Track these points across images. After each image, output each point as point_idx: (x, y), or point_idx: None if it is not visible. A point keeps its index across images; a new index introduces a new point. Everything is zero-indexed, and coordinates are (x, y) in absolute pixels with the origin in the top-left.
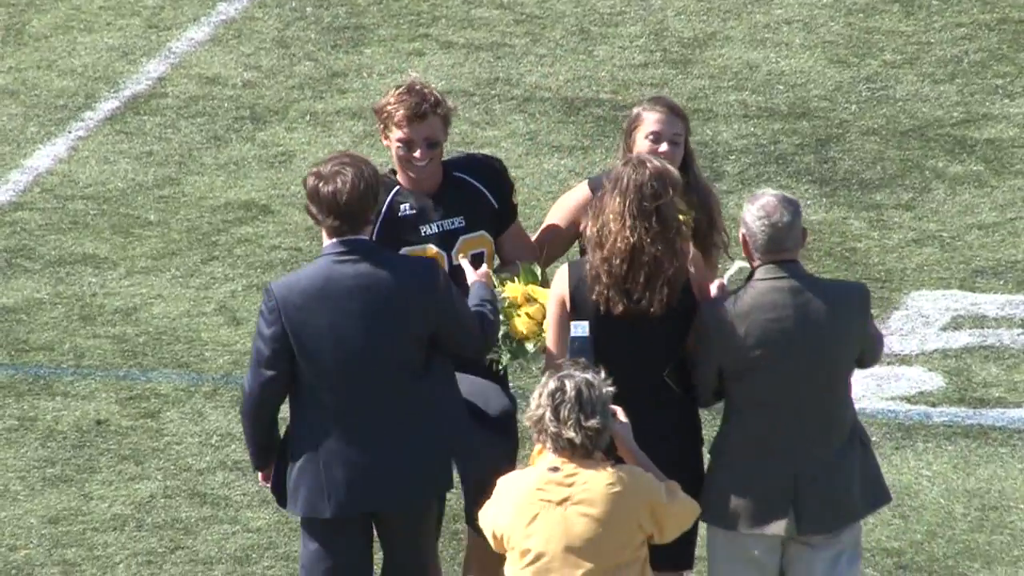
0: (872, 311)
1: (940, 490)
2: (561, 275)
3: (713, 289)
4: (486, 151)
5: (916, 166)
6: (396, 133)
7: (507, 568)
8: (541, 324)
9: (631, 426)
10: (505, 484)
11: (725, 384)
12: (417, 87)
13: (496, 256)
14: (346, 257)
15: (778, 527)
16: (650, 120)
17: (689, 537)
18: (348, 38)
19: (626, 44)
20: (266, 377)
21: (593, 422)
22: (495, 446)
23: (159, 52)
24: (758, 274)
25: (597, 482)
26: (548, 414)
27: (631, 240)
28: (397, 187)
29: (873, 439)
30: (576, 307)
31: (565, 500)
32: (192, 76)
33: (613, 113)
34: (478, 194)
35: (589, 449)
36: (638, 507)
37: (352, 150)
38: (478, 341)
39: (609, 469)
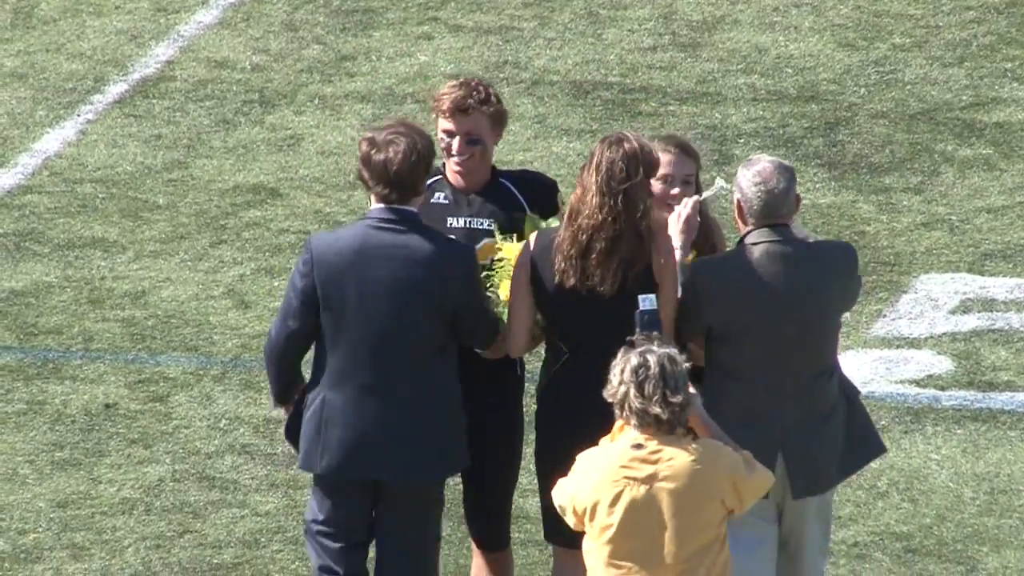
0: (880, 294)
1: (949, 474)
2: (529, 240)
3: (688, 204)
4: None
5: (925, 149)
6: (440, 123)
7: (586, 543)
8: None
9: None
10: (586, 460)
11: (712, 347)
12: (472, 83)
13: None
14: (388, 225)
15: (772, 492)
16: (662, 162)
17: None
18: (357, 21)
19: (635, 27)
20: (291, 329)
21: (678, 397)
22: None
23: (168, 35)
24: (751, 238)
25: (681, 459)
26: (632, 391)
27: (596, 217)
28: (440, 176)
29: (882, 423)
30: (536, 272)
31: (651, 477)
32: (201, 59)
33: (622, 96)
34: (517, 205)
35: (674, 424)
36: (721, 482)
37: (407, 119)
38: (489, 339)
39: (692, 445)
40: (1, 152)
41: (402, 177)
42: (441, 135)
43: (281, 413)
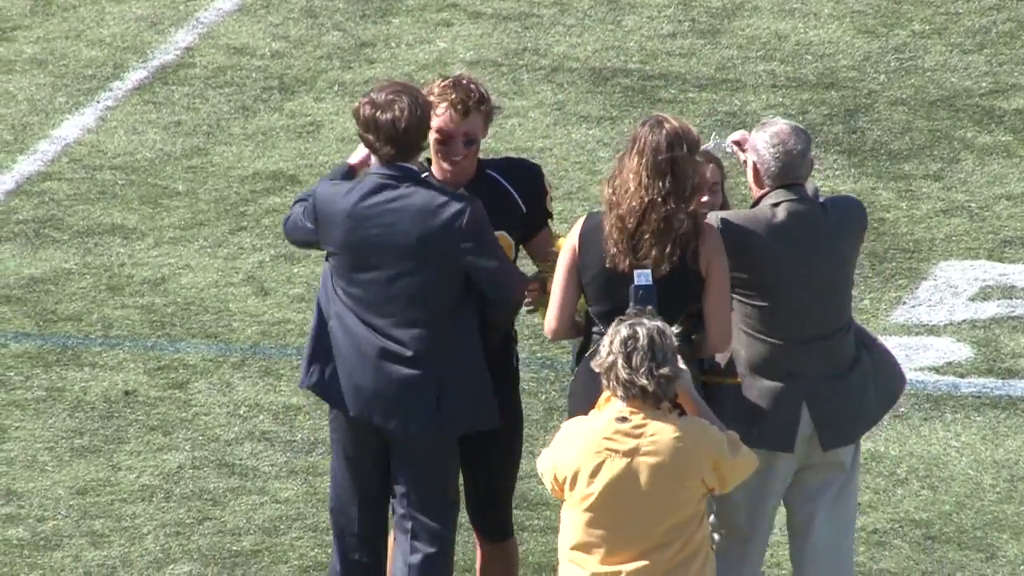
0: (900, 281)
1: (968, 461)
2: (577, 224)
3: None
4: (513, 121)
5: (945, 136)
6: (436, 124)
7: (564, 511)
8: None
9: None
10: (569, 429)
11: (736, 304)
12: (464, 82)
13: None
14: (393, 181)
15: (791, 446)
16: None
17: None
18: (376, 8)
19: (654, 14)
20: (300, 239)
21: (665, 370)
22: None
23: (187, 22)
24: (770, 198)
25: (665, 434)
26: (620, 361)
27: (644, 199)
28: (427, 174)
29: (901, 409)
30: (584, 255)
31: (633, 451)
32: (220, 46)
33: (641, 83)
34: (506, 195)
35: (660, 397)
36: (702, 460)
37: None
38: (508, 291)
39: (676, 421)
40: (21, 139)
41: (411, 134)
42: (435, 136)
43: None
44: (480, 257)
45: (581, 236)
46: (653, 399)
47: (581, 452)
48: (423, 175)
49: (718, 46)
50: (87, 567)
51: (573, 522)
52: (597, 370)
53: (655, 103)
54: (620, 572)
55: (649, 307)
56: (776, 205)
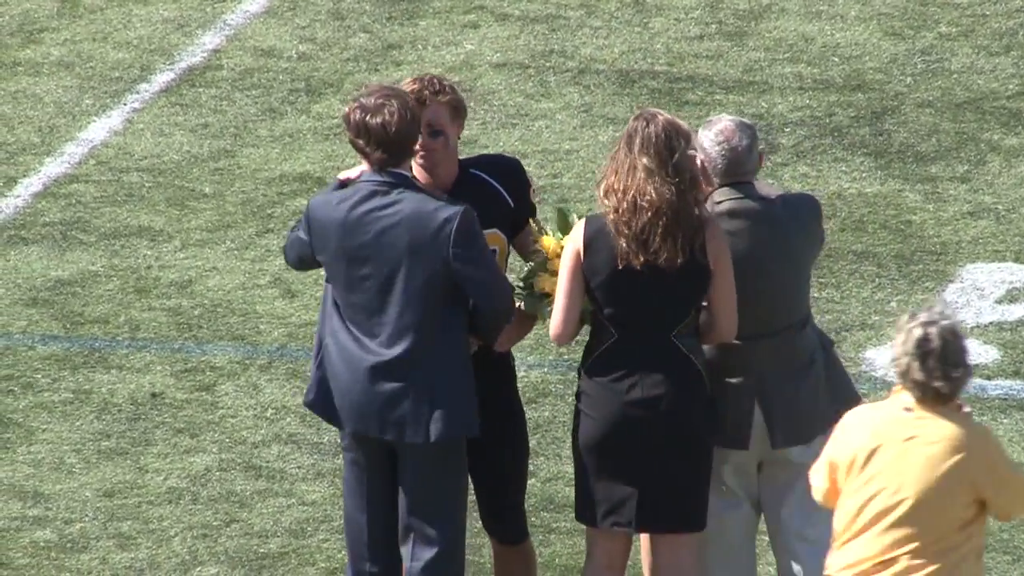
0: (926, 283)
1: None
2: (578, 227)
3: None
4: (540, 123)
5: (971, 139)
6: None
7: (840, 499)
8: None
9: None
10: (851, 418)
11: None
12: (426, 78)
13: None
14: (384, 187)
15: (747, 443)
16: None
17: (699, 495)
18: (403, 10)
19: (681, 16)
20: (296, 258)
21: (959, 372)
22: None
23: (214, 24)
24: (715, 197)
25: (946, 430)
26: (915, 364)
27: (649, 194)
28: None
29: None
30: (591, 259)
31: (910, 439)
32: (247, 48)
33: (668, 85)
34: (493, 192)
35: (951, 397)
36: (975, 464)
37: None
38: (497, 299)
39: (964, 422)
40: (48, 141)
41: (401, 138)
42: None
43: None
44: (469, 264)
45: (587, 239)
46: (945, 398)
47: (861, 438)
48: (414, 181)
49: (745, 48)
50: (114, 569)
51: (845, 509)
52: (894, 370)
53: (682, 105)
54: (895, 558)
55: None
56: (719, 203)
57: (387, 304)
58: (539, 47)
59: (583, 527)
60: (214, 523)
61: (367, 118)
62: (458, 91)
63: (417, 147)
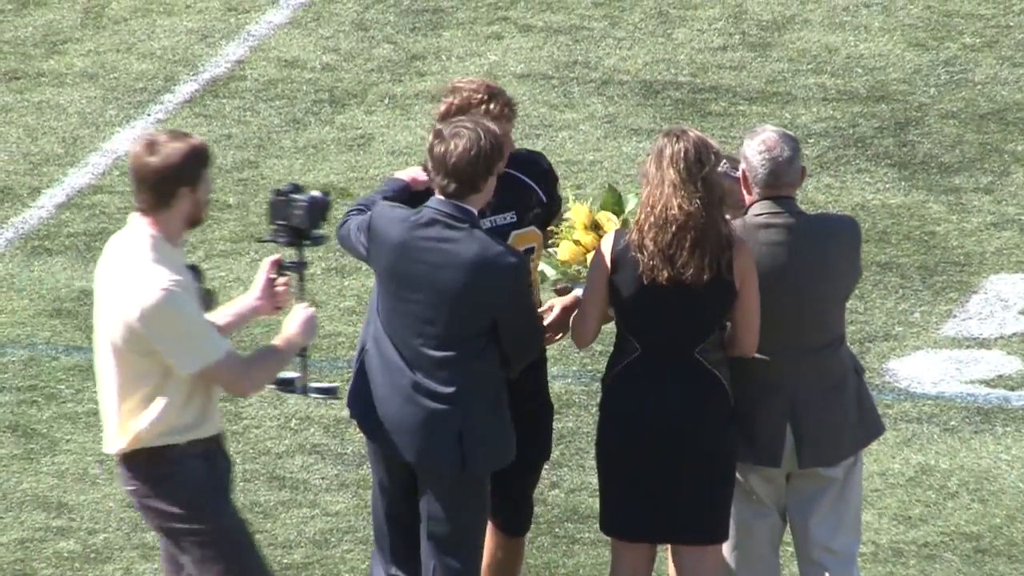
0: (950, 294)
1: (1019, 474)
2: (608, 239)
3: None
4: (564, 134)
5: (995, 149)
6: None
7: None
8: (585, 258)
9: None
10: None
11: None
12: (490, 86)
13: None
14: (443, 219)
15: (778, 461)
16: None
17: (721, 508)
18: (427, 21)
19: (705, 27)
20: (350, 247)
21: None
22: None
23: (238, 35)
24: (754, 209)
25: None
26: None
27: (676, 208)
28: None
29: (952, 423)
30: (618, 272)
31: None
32: (271, 59)
33: (692, 96)
34: (528, 189)
35: None
36: None
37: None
38: (527, 348)
39: None
40: (72, 151)
41: (459, 170)
42: None
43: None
44: (515, 317)
45: (615, 255)
46: None
47: None
48: (478, 219)
49: (768, 59)
50: None
51: None
52: None
53: (705, 116)
54: None
55: None
56: (758, 216)
57: (430, 333)
58: (563, 58)
59: (607, 538)
60: None
61: (436, 142)
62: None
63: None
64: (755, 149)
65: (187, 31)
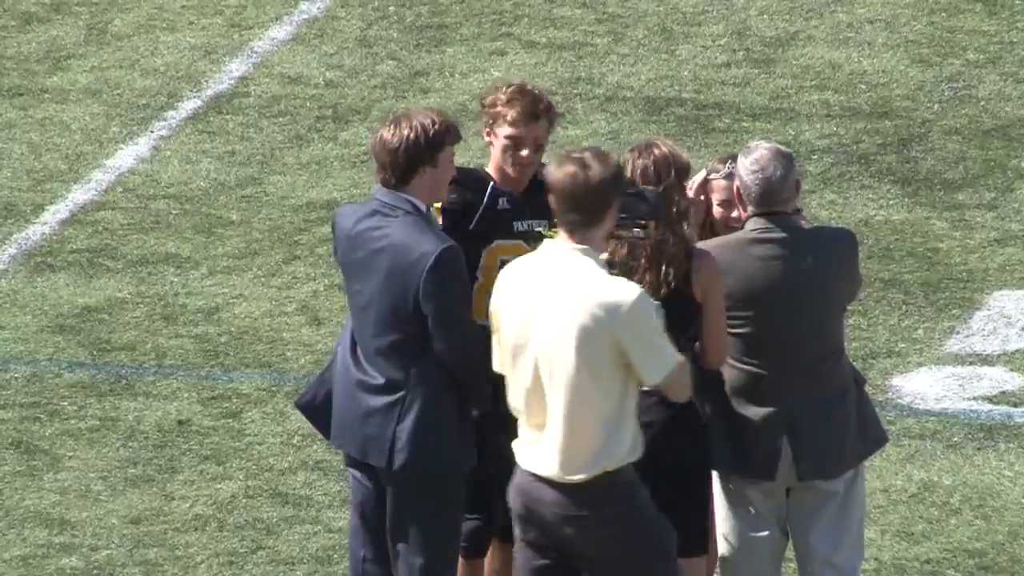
0: (953, 310)
1: (1022, 490)
2: None
3: (694, 183)
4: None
5: (999, 166)
6: (506, 130)
7: None
8: None
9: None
10: None
11: None
12: (528, 87)
13: None
14: (383, 209)
15: (774, 475)
16: (720, 187)
17: (702, 521)
18: (430, 37)
19: (708, 43)
20: None
21: None
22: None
23: (241, 51)
24: (748, 225)
25: None
26: None
27: None
28: (492, 182)
29: (955, 439)
30: None
31: None
32: (274, 75)
33: (695, 113)
34: None
35: None
36: None
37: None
38: (456, 352)
39: None
40: (75, 168)
41: (384, 160)
42: (505, 142)
43: None
44: (437, 308)
45: None
46: None
47: None
48: (418, 207)
49: (772, 75)
50: None
51: None
52: None
53: (709, 132)
54: None
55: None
56: (752, 231)
57: (368, 323)
58: (566, 74)
59: None
60: (240, 550)
61: (380, 133)
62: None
63: (524, 154)
64: (748, 168)
65: (190, 47)
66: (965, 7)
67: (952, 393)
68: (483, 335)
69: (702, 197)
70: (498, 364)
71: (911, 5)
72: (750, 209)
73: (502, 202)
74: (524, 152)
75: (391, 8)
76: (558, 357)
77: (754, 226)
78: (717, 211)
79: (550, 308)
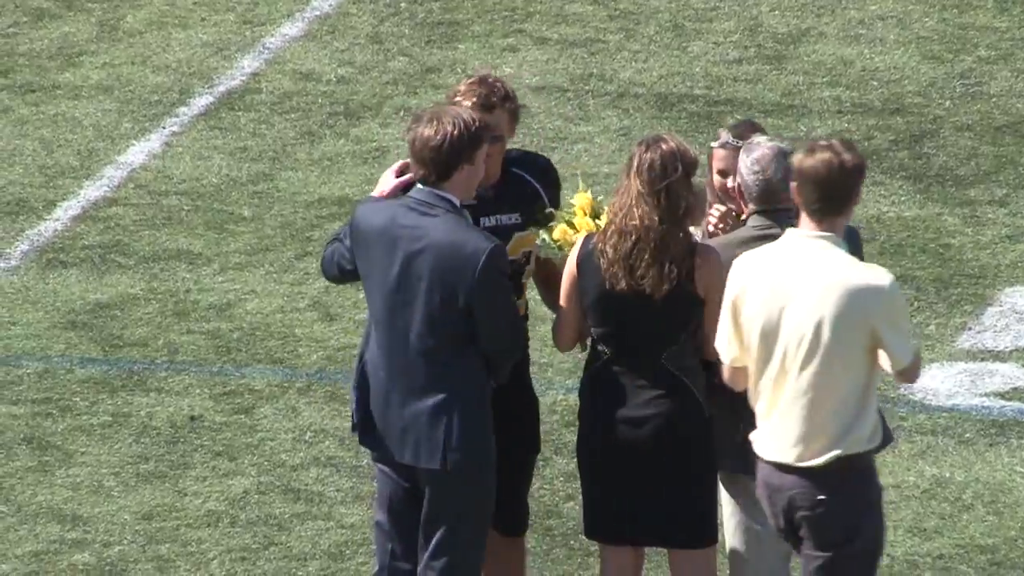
0: (965, 307)
1: None
2: (576, 246)
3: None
4: (579, 147)
5: (1010, 162)
6: None
7: None
8: (573, 241)
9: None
10: None
11: None
12: (489, 80)
13: None
14: (421, 207)
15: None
16: (720, 156)
17: (697, 511)
18: (442, 34)
19: (720, 40)
20: (336, 274)
21: None
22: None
23: (253, 48)
24: (750, 222)
25: None
26: None
27: (636, 219)
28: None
29: (967, 435)
30: (583, 277)
31: None
32: (286, 72)
33: (707, 109)
34: (535, 193)
35: None
36: None
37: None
38: (504, 344)
39: None
40: (87, 164)
41: (427, 158)
42: None
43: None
44: (488, 305)
45: (579, 262)
46: None
47: None
48: (457, 205)
49: (784, 72)
50: None
51: None
52: None
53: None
54: None
55: None
56: (753, 227)
57: (410, 324)
58: (578, 70)
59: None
60: (253, 546)
61: (415, 128)
62: (515, 93)
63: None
64: (748, 167)
65: (202, 44)
66: (977, 4)
67: (964, 389)
68: (523, 322)
69: (707, 198)
70: (731, 352)
71: (923, 1)
72: (751, 207)
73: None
74: None
75: (403, 4)
76: (810, 344)
77: (755, 223)
78: (716, 179)
79: (802, 296)
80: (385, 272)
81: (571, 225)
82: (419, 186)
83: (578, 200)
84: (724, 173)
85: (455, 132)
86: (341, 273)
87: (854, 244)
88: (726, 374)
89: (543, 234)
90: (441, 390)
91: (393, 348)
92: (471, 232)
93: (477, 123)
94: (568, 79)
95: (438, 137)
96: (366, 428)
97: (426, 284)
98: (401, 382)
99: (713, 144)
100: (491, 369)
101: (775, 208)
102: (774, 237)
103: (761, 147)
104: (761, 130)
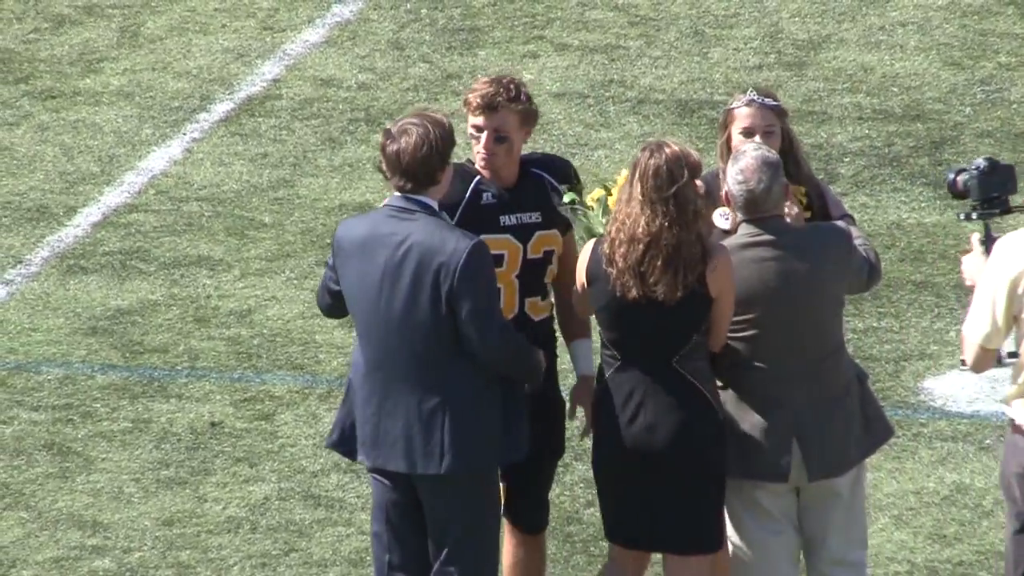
0: None
1: None
2: (584, 253)
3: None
4: (599, 153)
5: None
6: (470, 119)
7: None
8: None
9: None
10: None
11: None
12: (504, 80)
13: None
14: (398, 213)
15: (785, 477)
16: (743, 115)
17: (704, 519)
18: (463, 40)
19: (740, 46)
20: (328, 301)
21: None
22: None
23: (274, 54)
24: (740, 230)
25: None
26: None
27: (648, 225)
28: (478, 176)
29: (987, 441)
30: (592, 285)
31: None
32: (307, 78)
33: None
34: (553, 192)
35: None
36: None
37: (428, 110)
38: (489, 350)
39: None
40: (108, 170)
41: (414, 167)
42: (471, 131)
43: None
44: (469, 305)
45: (588, 270)
46: None
47: None
48: (436, 209)
49: (804, 78)
50: None
51: None
52: None
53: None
54: None
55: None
56: (743, 235)
57: (398, 330)
58: (598, 77)
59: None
60: (273, 552)
61: (387, 143)
62: (531, 98)
63: (482, 144)
64: (734, 177)
65: (223, 50)
66: (997, 10)
67: (984, 395)
68: (512, 326)
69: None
70: (987, 332)
71: (943, 8)
72: (739, 215)
73: (486, 197)
74: (482, 142)
75: (423, 11)
76: None
77: (744, 231)
78: (738, 139)
79: None
80: (369, 279)
81: (607, 190)
82: (395, 194)
83: (595, 194)
84: (750, 132)
85: (433, 138)
86: (331, 297)
87: (840, 246)
88: (973, 356)
89: (572, 196)
90: (435, 395)
91: (384, 355)
92: (452, 231)
93: (448, 123)
94: (588, 85)
95: (421, 146)
96: (354, 440)
97: (410, 287)
98: (394, 389)
99: (735, 104)
100: (508, 382)
101: (761, 216)
102: (766, 244)
103: (746, 156)
104: (774, 97)
